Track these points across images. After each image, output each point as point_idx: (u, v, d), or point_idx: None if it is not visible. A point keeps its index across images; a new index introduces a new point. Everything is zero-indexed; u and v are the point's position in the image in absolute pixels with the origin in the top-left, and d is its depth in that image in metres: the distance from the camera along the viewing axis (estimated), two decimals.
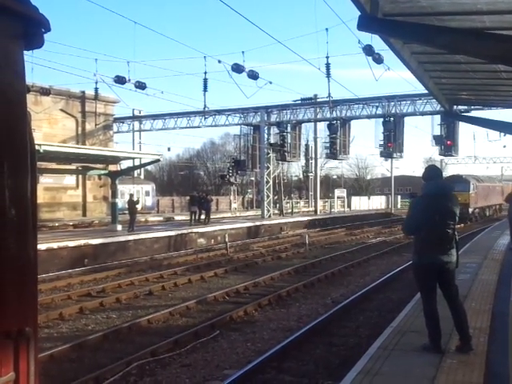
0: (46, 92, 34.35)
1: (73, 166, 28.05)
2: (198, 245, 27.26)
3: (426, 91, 19.22)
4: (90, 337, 10.09)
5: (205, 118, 41.69)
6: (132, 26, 68.02)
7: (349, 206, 60.90)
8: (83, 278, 17.32)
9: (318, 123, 44.31)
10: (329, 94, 28.62)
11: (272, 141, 41.63)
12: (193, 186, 69.35)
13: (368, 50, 19.18)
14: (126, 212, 29.83)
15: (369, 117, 38.44)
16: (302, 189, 76.71)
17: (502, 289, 11.25)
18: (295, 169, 77.89)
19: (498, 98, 19.31)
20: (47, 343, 9.80)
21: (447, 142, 34.11)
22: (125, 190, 42.81)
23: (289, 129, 40.70)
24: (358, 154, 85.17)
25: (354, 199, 66.71)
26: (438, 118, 35.00)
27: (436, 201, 6.60)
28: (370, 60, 20.18)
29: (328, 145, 39.09)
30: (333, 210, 52.73)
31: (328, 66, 25.22)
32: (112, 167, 29.27)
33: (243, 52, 24.04)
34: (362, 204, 67.14)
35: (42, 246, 18.98)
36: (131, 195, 29.49)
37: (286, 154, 40.26)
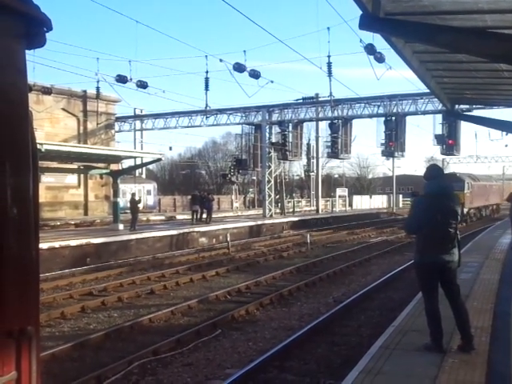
0: (47, 91, 34.39)
1: (74, 165, 28.06)
2: (199, 244, 27.28)
3: (428, 90, 19.20)
4: (92, 336, 10.09)
5: (206, 117, 41.68)
6: (134, 25, 68.06)
7: (350, 205, 60.90)
8: (85, 277, 17.33)
9: (320, 122, 44.32)
10: (330, 93, 28.65)
11: (273, 140, 41.62)
12: (194, 186, 69.36)
13: (370, 49, 19.18)
14: (128, 211, 29.84)
15: (370, 116, 38.41)
16: (304, 188, 76.70)
17: (503, 288, 11.25)
18: (297, 168, 77.85)
19: (499, 97, 19.30)
20: (49, 342, 9.80)
21: (449, 142, 34.06)
22: (126, 189, 42.84)
23: (290, 128, 40.70)
24: (359, 153, 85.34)
25: (356, 198, 66.69)
26: (439, 117, 34.97)
27: (438, 200, 6.60)
28: (371, 59, 20.20)
29: (329, 144, 39.04)
30: (334, 210, 52.71)
31: (330, 65, 25.25)
32: (113, 166, 29.28)
33: (245, 51, 24.06)
34: (364, 203, 67.12)
35: (43, 245, 19.00)
36: (133, 194, 29.53)
37: (288, 153, 40.24)
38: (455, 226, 6.67)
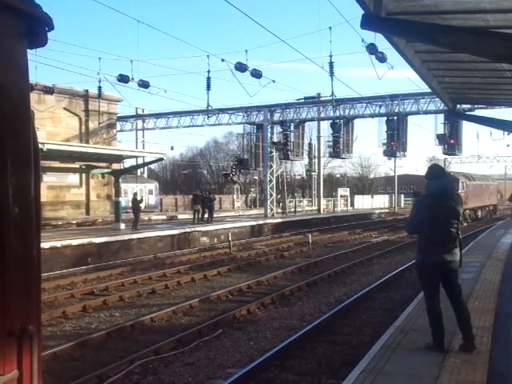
0: (49, 91, 34.40)
1: (76, 165, 28.08)
2: (201, 243, 27.29)
3: (430, 90, 19.19)
4: (93, 335, 10.10)
5: (208, 117, 41.70)
6: (135, 24, 68.09)
7: (352, 204, 60.87)
8: (87, 277, 17.34)
9: (322, 122, 44.27)
10: (332, 92, 28.65)
11: (275, 140, 41.65)
12: (196, 185, 69.44)
13: (371, 49, 19.17)
14: (130, 211, 29.87)
15: (372, 116, 38.39)
16: (305, 188, 76.71)
17: (505, 288, 11.24)
18: (298, 168, 78.00)
19: (501, 97, 19.26)
20: (51, 341, 9.82)
21: (451, 141, 34.05)
22: (128, 188, 42.89)
23: (292, 128, 40.70)
24: (361, 153, 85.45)
25: (358, 198, 66.69)
26: (441, 116, 34.99)
27: (439, 200, 6.60)
28: (373, 59, 20.20)
29: (331, 144, 39.02)
30: (336, 209, 52.69)
31: (331, 64, 25.25)
32: (115, 166, 29.30)
33: (246, 51, 24.11)
34: (366, 203, 67.10)
35: (45, 245, 19.02)
36: (135, 194, 29.53)
37: (289, 152, 40.25)
38: (457, 225, 6.67)
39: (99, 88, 34.90)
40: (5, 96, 1.76)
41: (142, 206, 33.89)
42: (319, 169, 49.90)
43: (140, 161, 33.85)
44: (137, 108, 48.61)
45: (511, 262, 15.25)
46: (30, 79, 1.95)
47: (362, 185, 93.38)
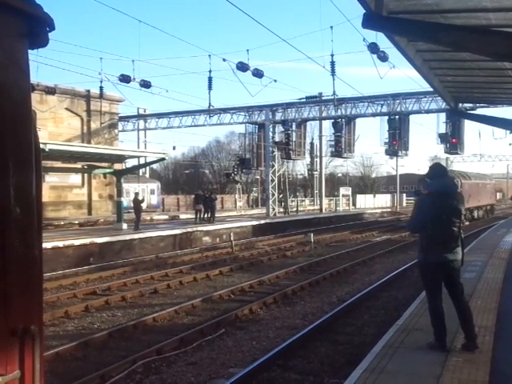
0: (51, 91, 34.44)
1: (78, 165, 28.11)
2: (203, 243, 27.30)
3: (432, 89, 19.17)
4: (96, 335, 10.12)
5: (210, 117, 41.71)
6: (137, 24, 68.13)
7: (354, 204, 60.85)
8: (89, 277, 17.35)
9: (323, 121, 44.26)
10: (334, 92, 28.61)
11: (277, 139, 41.65)
12: (198, 185, 69.42)
13: (373, 48, 19.15)
14: (132, 211, 29.88)
15: (374, 115, 38.36)
16: (307, 187, 76.63)
17: (508, 287, 11.22)
18: (300, 167, 77.87)
19: (503, 96, 19.26)
20: (53, 341, 9.83)
21: (452, 140, 33.98)
22: (130, 188, 42.92)
23: (294, 127, 40.70)
24: (363, 152, 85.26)
25: (360, 197, 66.67)
26: (443, 115, 34.90)
27: (441, 199, 6.59)
28: (374, 58, 20.17)
29: (333, 143, 38.99)
30: (338, 209, 52.67)
31: (333, 64, 25.22)
32: (117, 166, 29.32)
33: (248, 50, 24.06)
34: (368, 202, 67.06)
35: (47, 245, 19.04)
36: (136, 194, 29.55)
37: (291, 152, 40.25)
38: (459, 224, 6.67)
39: (101, 88, 34.89)
40: (6, 96, 1.76)
41: (144, 205, 33.91)
42: (321, 168, 49.90)
43: (142, 161, 33.86)
44: (138, 108, 48.64)
45: None
46: (31, 79, 1.95)
47: (364, 184, 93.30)
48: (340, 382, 6.88)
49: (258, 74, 24.62)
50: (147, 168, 53.37)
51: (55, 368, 8.18)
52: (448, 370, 5.97)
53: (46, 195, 36.68)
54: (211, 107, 32.55)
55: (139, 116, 49.18)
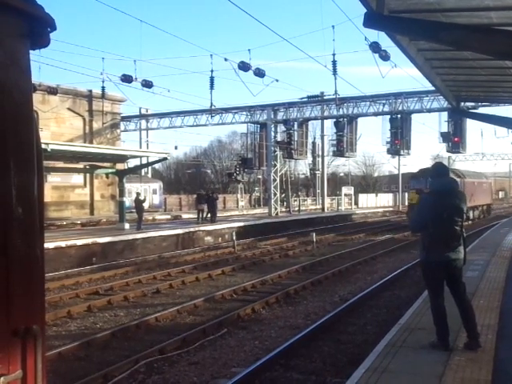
0: (53, 91, 34.45)
1: (80, 165, 28.13)
2: (205, 243, 27.30)
3: (433, 88, 19.15)
4: (98, 335, 10.12)
5: (211, 117, 41.70)
6: (138, 24, 68.16)
7: (356, 203, 60.82)
8: (91, 277, 17.37)
9: (325, 121, 44.31)
10: (335, 91, 28.55)
11: (279, 139, 41.65)
12: (200, 185, 69.44)
13: (375, 47, 19.10)
14: (134, 210, 29.91)
15: (376, 114, 38.35)
16: (309, 186, 76.61)
17: (510, 286, 11.21)
18: (302, 166, 77.72)
19: (505, 95, 19.24)
20: (56, 341, 9.84)
21: (455, 139, 33.97)
22: (132, 188, 42.92)
23: (296, 126, 40.71)
24: (365, 152, 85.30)
25: (362, 197, 66.62)
26: (445, 114, 34.94)
27: (443, 198, 6.59)
28: (376, 57, 20.11)
29: (335, 142, 39.00)
30: (340, 208, 52.66)
31: (334, 63, 25.17)
32: (119, 166, 29.33)
33: (249, 50, 24.01)
34: (370, 201, 67.01)
35: (50, 245, 19.07)
36: (138, 194, 29.57)
37: (293, 151, 40.26)
38: (461, 223, 6.66)
39: (103, 88, 34.92)
40: (7, 96, 1.76)
41: (146, 205, 33.92)
42: (323, 167, 49.90)
43: (144, 161, 33.83)
44: (140, 108, 48.67)
45: None
46: (32, 80, 1.95)
47: (366, 183, 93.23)
48: (342, 381, 6.88)
49: (260, 73, 24.59)
50: (149, 168, 53.41)
51: (58, 368, 8.19)
52: (450, 369, 5.97)
53: (49, 195, 36.72)
54: (213, 107, 32.51)
55: (141, 116, 49.21)
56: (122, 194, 27.56)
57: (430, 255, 6.61)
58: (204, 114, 42.02)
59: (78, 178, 40.00)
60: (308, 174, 76.68)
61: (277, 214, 41.07)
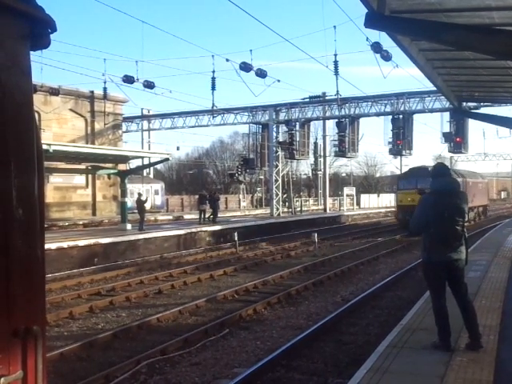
0: (55, 92, 34.51)
1: (82, 166, 28.15)
2: (207, 243, 27.30)
3: (435, 88, 19.13)
4: (100, 335, 10.13)
5: (213, 117, 41.70)
6: (140, 25, 68.22)
7: (358, 203, 60.78)
8: (93, 277, 17.38)
9: (327, 121, 44.24)
10: (337, 91, 28.53)
11: (281, 139, 41.63)
12: (202, 185, 69.47)
13: (376, 48, 19.09)
14: (136, 211, 29.94)
15: (377, 114, 38.32)
16: (311, 187, 76.62)
17: None
18: (304, 167, 77.83)
19: (507, 95, 19.21)
20: (57, 342, 9.85)
21: (457, 139, 33.90)
22: (134, 189, 42.92)
23: (297, 127, 40.70)
24: (366, 152, 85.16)
25: (364, 197, 66.57)
26: (447, 114, 34.84)
27: (444, 198, 6.59)
28: (378, 57, 20.10)
29: (337, 143, 38.96)
30: (342, 208, 52.61)
31: (336, 63, 25.17)
32: (121, 166, 29.36)
33: (251, 50, 24.02)
34: (372, 202, 66.96)
35: (52, 246, 19.10)
36: (139, 194, 29.59)
37: (295, 152, 40.24)
38: (462, 223, 6.65)
39: (105, 89, 35.03)
40: (8, 97, 1.77)
41: (148, 206, 33.93)
42: (325, 168, 49.85)
43: (146, 161, 33.92)
44: (142, 109, 48.70)
45: None
46: (32, 81, 1.96)
47: (368, 184, 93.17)
48: (344, 382, 6.88)
49: (262, 74, 24.60)
50: (151, 168, 53.44)
51: (60, 368, 8.20)
52: (452, 370, 5.97)
53: (51, 196, 36.79)
54: (215, 107, 32.52)
55: (143, 117, 49.22)
56: (123, 194, 27.61)
57: (431, 255, 6.61)
58: (206, 114, 42.03)
59: (80, 179, 40.05)
60: (310, 174, 76.72)
61: (279, 214, 41.06)
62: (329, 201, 50.72)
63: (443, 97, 28.50)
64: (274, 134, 41.37)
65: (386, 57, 20.27)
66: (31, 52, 1.95)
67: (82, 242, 21.02)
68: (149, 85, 27.36)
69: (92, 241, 21.57)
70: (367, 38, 18.84)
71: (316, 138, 55.83)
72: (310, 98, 39.19)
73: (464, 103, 23.63)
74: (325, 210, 48.23)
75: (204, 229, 28.23)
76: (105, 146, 35.85)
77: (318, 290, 15.08)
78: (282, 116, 41.35)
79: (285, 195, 45.99)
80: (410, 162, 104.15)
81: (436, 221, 6.48)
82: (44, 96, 35.16)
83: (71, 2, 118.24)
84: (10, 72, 1.79)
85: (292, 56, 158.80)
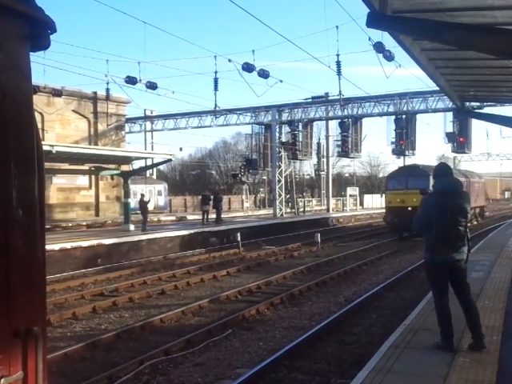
0: (58, 93, 34.55)
1: (85, 167, 28.20)
2: (210, 244, 27.29)
3: (438, 88, 19.11)
4: (103, 336, 10.14)
5: (216, 118, 41.74)
6: (142, 26, 68.33)
7: (361, 204, 60.71)
8: (96, 278, 17.40)
9: (330, 121, 44.20)
10: (340, 91, 28.57)
11: (283, 139, 41.65)
12: (205, 186, 69.45)
13: (379, 48, 19.09)
14: (139, 212, 29.96)
15: (380, 114, 38.29)
16: (314, 187, 76.53)
17: None
18: (307, 167, 77.81)
19: (510, 95, 19.17)
20: (61, 342, 9.86)
21: (460, 139, 33.85)
22: (137, 189, 42.98)
23: (300, 127, 40.70)
24: (369, 152, 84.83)
25: (367, 197, 66.46)
26: (450, 114, 34.80)
27: (447, 198, 6.58)
28: (380, 57, 20.11)
29: (340, 143, 38.95)
30: (345, 209, 52.56)
31: (339, 63, 25.22)
32: (124, 167, 29.39)
33: (253, 51, 24.08)
34: (375, 202, 66.85)
35: (55, 246, 19.14)
36: (142, 195, 29.61)
37: (298, 152, 40.24)
38: (465, 223, 6.64)
39: (107, 90, 35.03)
40: (7, 98, 1.77)
41: (151, 206, 33.95)
42: (328, 168, 49.82)
43: (149, 162, 33.98)
44: (145, 109, 48.72)
45: None
46: (32, 82, 1.96)
47: (371, 184, 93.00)
48: (347, 382, 6.87)
49: (264, 74, 24.62)
50: (154, 169, 53.46)
51: (63, 368, 8.22)
52: (455, 370, 5.96)
53: (54, 197, 36.86)
54: (217, 108, 32.58)
55: (146, 117, 49.26)
56: (126, 195, 27.63)
57: (434, 256, 6.60)
58: (208, 115, 42.04)
59: (83, 180, 40.10)
60: (313, 174, 76.68)
61: (282, 214, 41.06)
62: (332, 201, 50.68)
63: (446, 97, 28.46)
64: (277, 134, 41.39)
65: (389, 57, 20.27)
66: (31, 53, 1.95)
67: (85, 243, 21.05)
68: (151, 86, 27.41)
69: (95, 241, 21.59)
70: (369, 38, 18.86)
71: (319, 139, 55.90)
72: (313, 98, 39.18)
73: (467, 103, 23.59)
74: (328, 210, 48.20)
75: (207, 229, 28.22)
76: (108, 147, 35.87)
77: (320, 290, 15.07)
78: (285, 116, 41.35)
79: (288, 196, 45.97)
80: (413, 162, 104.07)
81: (438, 221, 6.47)
82: (47, 97, 35.23)
83: (73, 3, 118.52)
84: (10, 73, 1.79)
85: (294, 56, 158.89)
